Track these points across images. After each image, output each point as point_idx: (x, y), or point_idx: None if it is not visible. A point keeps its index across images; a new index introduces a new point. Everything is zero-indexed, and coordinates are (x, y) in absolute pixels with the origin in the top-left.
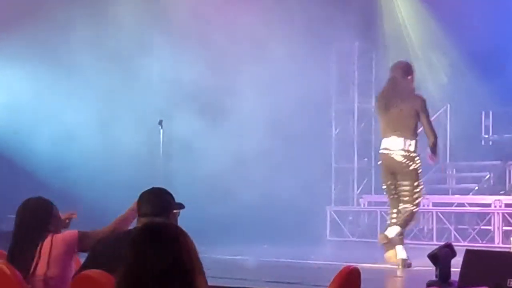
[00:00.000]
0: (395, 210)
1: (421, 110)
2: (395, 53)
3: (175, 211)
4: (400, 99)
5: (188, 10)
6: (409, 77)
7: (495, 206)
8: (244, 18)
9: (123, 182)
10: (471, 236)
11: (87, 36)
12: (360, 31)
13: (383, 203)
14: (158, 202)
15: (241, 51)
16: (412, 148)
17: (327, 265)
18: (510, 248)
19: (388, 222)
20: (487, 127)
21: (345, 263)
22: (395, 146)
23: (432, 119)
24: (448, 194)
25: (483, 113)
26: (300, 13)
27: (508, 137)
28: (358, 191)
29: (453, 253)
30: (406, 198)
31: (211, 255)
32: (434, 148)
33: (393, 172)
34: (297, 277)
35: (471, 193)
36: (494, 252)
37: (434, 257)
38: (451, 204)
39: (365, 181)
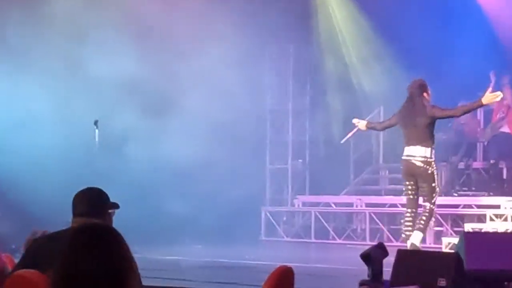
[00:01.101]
0: (409, 210)
1: (433, 111)
2: (330, 56)
3: (110, 211)
4: (416, 114)
5: (129, 9)
6: (424, 94)
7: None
8: (180, 18)
9: (58, 182)
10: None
11: (23, 32)
12: (296, 34)
13: (317, 204)
14: (93, 202)
15: (178, 53)
16: (428, 155)
17: (261, 265)
18: (441, 248)
19: (402, 221)
20: None
21: (279, 263)
22: (416, 153)
23: (367, 119)
24: (381, 195)
25: None
26: (236, 15)
27: (441, 139)
28: (293, 192)
29: (385, 253)
30: (426, 198)
31: (146, 255)
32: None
33: (413, 175)
34: (231, 277)
35: (403, 194)
36: (424, 252)
37: (366, 257)
38: (384, 205)
39: (299, 182)
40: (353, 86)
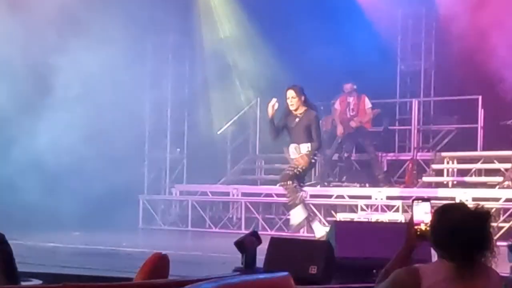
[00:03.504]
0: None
1: (312, 122)
2: (210, 47)
3: None
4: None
5: None
6: (302, 97)
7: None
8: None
9: None
10: (277, 225)
11: None
12: (176, 25)
13: (195, 193)
14: None
15: (57, 41)
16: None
17: (137, 252)
18: (314, 236)
19: None
20: None
21: (155, 251)
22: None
23: (244, 111)
24: (257, 185)
25: None
26: (117, 5)
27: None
28: (171, 180)
29: (258, 241)
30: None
31: (24, 242)
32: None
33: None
34: (107, 264)
35: (278, 184)
36: (297, 240)
37: (240, 244)
38: (259, 194)
39: (177, 171)
40: (232, 77)
